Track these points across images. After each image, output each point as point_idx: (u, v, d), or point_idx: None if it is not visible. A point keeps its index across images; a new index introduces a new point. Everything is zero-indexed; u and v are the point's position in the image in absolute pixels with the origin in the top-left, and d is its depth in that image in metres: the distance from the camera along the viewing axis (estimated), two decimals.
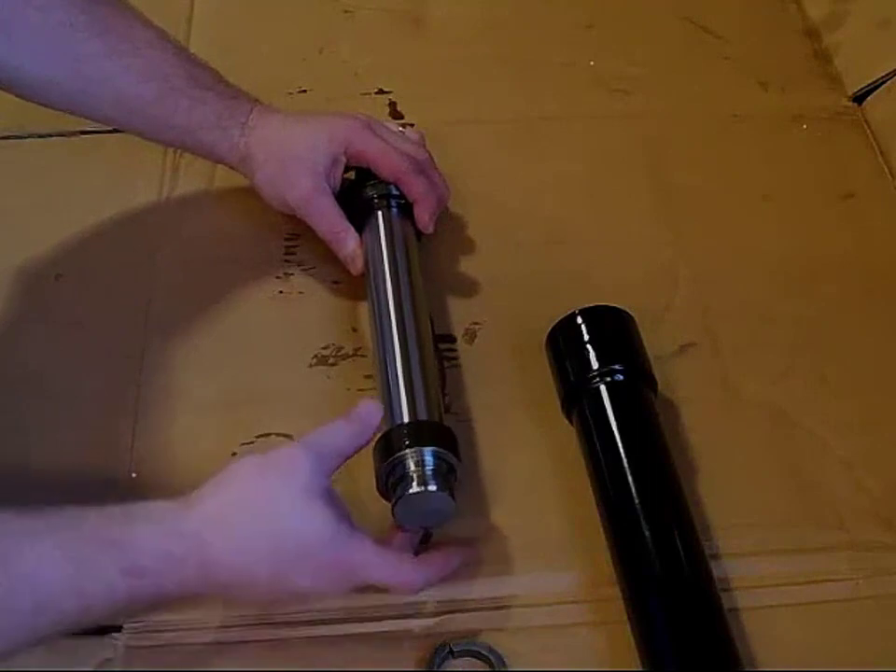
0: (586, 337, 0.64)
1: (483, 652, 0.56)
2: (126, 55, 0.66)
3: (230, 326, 0.71)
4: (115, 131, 0.73)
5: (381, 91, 0.86)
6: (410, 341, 0.63)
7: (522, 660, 0.57)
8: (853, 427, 0.66)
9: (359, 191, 0.72)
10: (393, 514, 0.57)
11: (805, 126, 0.84)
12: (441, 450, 0.57)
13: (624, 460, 0.59)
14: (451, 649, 0.56)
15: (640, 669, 0.55)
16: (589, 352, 0.63)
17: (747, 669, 0.55)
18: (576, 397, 0.63)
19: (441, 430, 0.59)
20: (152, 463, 0.64)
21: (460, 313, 0.72)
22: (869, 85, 0.85)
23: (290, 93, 0.85)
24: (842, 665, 0.56)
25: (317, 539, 0.52)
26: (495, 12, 0.92)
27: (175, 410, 0.66)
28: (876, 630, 0.58)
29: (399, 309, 0.65)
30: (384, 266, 0.68)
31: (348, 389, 0.68)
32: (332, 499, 0.54)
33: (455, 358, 0.69)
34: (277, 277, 0.74)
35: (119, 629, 0.57)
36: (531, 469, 0.64)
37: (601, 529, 0.59)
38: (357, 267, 0.70)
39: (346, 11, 0.92)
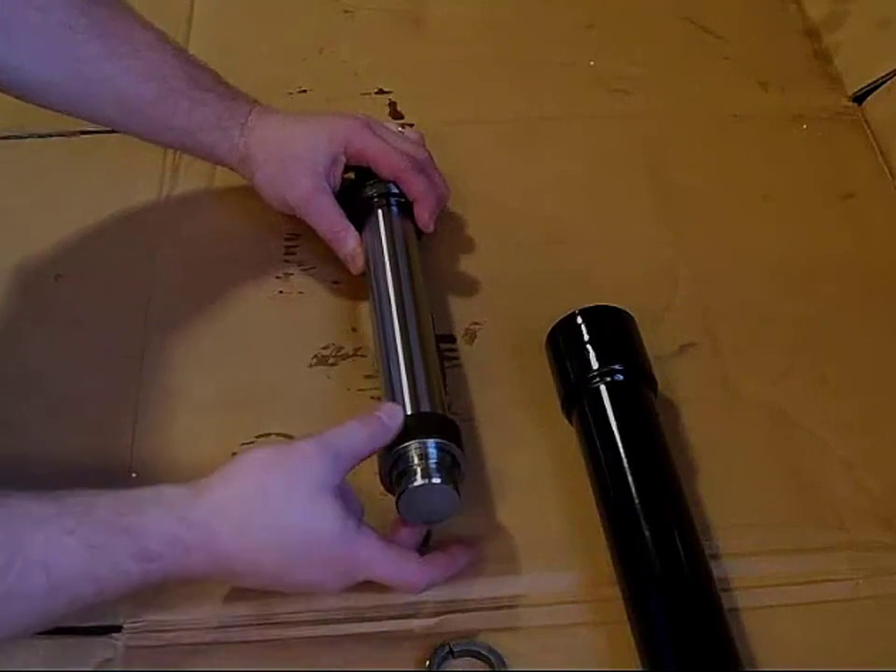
0: (586, 337, 0.64)
1: (483, 652, 0.56)
2: (126, 56, 0.66)
3: (229, 326, 0.71)
4: (115, 131, 0.73)
5: (381, 91, 0.86)
6: (412, 338, 0.63)
7: (522, 660, 0.57)
8: (853, 427, 0.66)
9: (359, 190, 0.72)
10: (397, 507, 0.57)
11: (804, 126, 0.84)
12: (445, 442, 0.57)
13: (624, 460, 0.59)
14: (451, 649, 0.56)
15: (640, 669, 0.55)
16: (589, 352, 0.63)
17: (747, 669, 0.55)
18: (576, 397, 0.63)
19: (445, 422, 0.59)
20: (152, 463, 0.64)
21: (460, 313, 0.72)
22: (869, 85, 0.85)
23: (290, 93, 0.85)
24: (842, 665, 0.56)
25: (324, 535, 0.53)
26: (495, 12, 0.93)
27: (174, 410, 0.66)
28: (876, 630, 0.58)
29: (400, 306, 0.65)
30: (384, 264, 0.68)
31: (348, 389, 0.68)
32: (342, 496, 0.54)
33: (455, 358, 0.69)
34: (277, 277, 0.74)
35: (118, 629, 0.57)
36: (531, 469, 0.64)
37: (601, 529, 0.59)
38: (357, 266, 0.71)
39: (346, 11, 0.92)
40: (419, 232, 0.72)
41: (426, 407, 0.60)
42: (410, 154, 0.71)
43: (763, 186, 0.80)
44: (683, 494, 0.59)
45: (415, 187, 0.70)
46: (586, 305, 0.65)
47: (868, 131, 0.83)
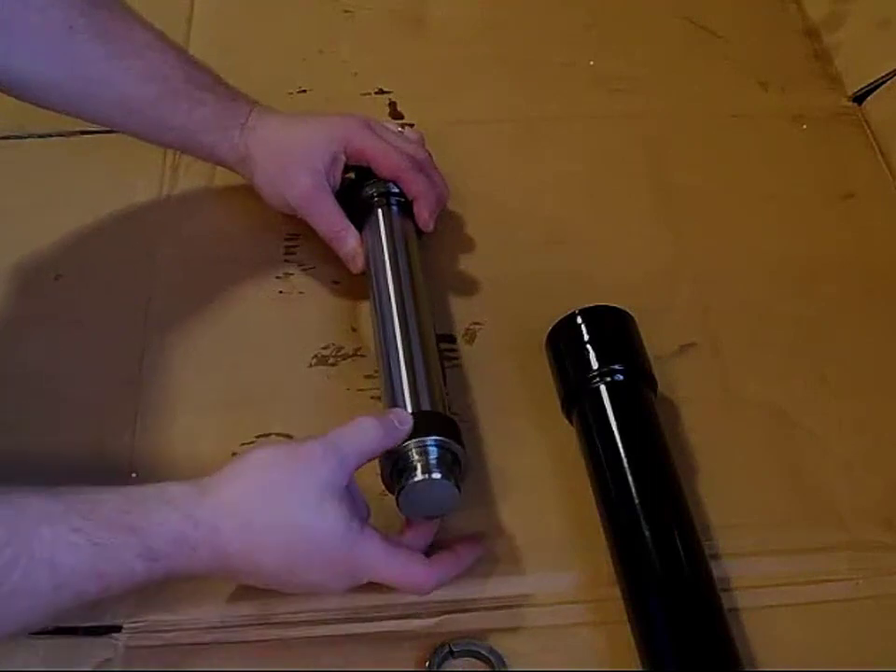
0: (586, 337, 0.64)
1: (483, 652, 0.56)
2: (126, 57, 0.66)
3: (229, 326, 0.71)
4: (115, 131, 0.73)
5: (381, 91, 0.86)
6: (412, 336, 0.63)
7: (522, 660, 0.57)
8: (853, 427, 0.66)
9: (359, 190, 0.72)
10: (397, 503, 0.57)
11: (804, 126, 0.84)
12: (444, 439, 0.57)
13: (624, 460, 0.59)
14: (451, 649, 0.56)
15: (640, 669, 0.55)
16: (589, 352, 0.63)
17: (747, 669, 0.55)
18: (576, 397, 0.63)
19: (445, 420, 0.59)
20: (152, 463, 0.64)
21: (460, 313, 0.72)
22: (869, 85, 0.85)
23: (290, 93, 0.85)
24: (842, 665, 0.56)
25: (328, 536, 0.53)
26: (495, 12, 0.93)
27: (175, 410, 0.66)
28: (876, 630, 0.58)
29: (400, 305, 0.65)
30: (384, 263, 0.68)
31: (348, 389, 0.68)
32: (347, 497, 0.54)
33: (455, 358, 0.69)
34: (277, 277, 0.74)
35: (118, 629, 0.57)
36: (531, 469, 0.64)
37: (601, 529, 0.59)
38: (357, 265, 0.71)
39: (346, 11, 0.92)
40: (419, 232, 0.72)
41: (426, 406, 0.60)
42: (409, 153, 0.71)
43: (763, 186, 0.80)
44: (683, 494, 0.59)
45: (415, 186, 0.70)
46: (586, 305, 0.65)
47: (868, 131, 0.83)
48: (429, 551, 0.59)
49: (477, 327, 0.71)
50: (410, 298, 0.66)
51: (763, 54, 0.89)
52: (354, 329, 0.71)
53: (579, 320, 0.65)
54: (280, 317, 0.72)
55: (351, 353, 0.70)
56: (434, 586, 0.56)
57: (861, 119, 0.84)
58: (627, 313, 0.65)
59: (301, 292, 0.73)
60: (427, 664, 0.56)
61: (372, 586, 0.56)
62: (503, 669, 0.56)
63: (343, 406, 0.67)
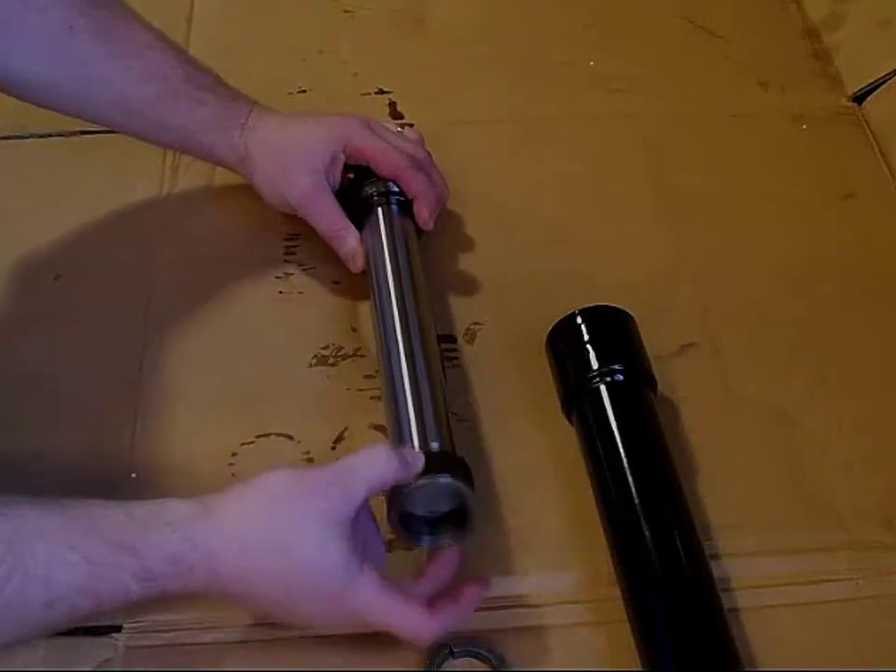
0: (586, 337, 0.64)
1: (483, 653, 0.56)
2: (126, 57, 0.66)
3: (229, 325, 0.71)
4: (115, 131, 0.73)
5: (381, 91, 0.86)
6: (413, 335, 0.63)
7: (522, 660, 0.57)
8: (853, 427, 0.66)
9: (359, 189, 0.72)
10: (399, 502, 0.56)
11: (804, 126, 0.84)
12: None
13: (624, 460, 0.59)
14: (451, 649, 0.56)
15: (640, 669, 0.55)
16: (589, 352, 0.63)
17: (747, 669, 0.55)
18: (576, 397, 0.63)
19: (456, 461, 0.58)
20: (152, 463, 0.64)
21: (460, 313, 0.72)
22: (869, 85, 0.85)
23: (290, 93, 0.85)
24: (842, 665, 0.56)
25: (323, 571, 0.51)
26: (495, 12, 0.93)
27: (175, 410, 0.66)
28: (876, 630, 0.58)
29: (401, 303, 0.65)
30: (385, 262, 0.68)
31: (348, 389, 0.68)
32: (349, 531, 0.52)
33: (455, 358, 0.69)
34: (277, 277, 0.74)
35: (118, 629, 0.57)
36: (531, 469, 0.64)
37: (601, 529, 0.59)
38: (357, 264, 0.71)
39: (346, 11, 0.92)
40: (419, 231, 0.72)
41: (427, 405, 0.60)
42: (409, 153, 0.71)
43: (763, 186, 0.80)
44: (683, 494, 0.59)
45: (415, 185, 0.70)
46: (586, 305, 0.65)
47: (868, 131, 0.83)
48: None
49: (477, 327, 0.71)
50: (410, 296, 0.66)
51: (763, 54, 0.89)
52: (354, 329, 0.71)
53: (579, 320, 0.65)
54: (280, 317, 0.72)
55: (351, 353, 0.70)
56: (432, 636, 0.53)
57: (861, 119, 0.84)
58: (627, 313, 0.65)
59: (300, 292, 0.73)
60: (427, 664, 0.56)
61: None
62: (503, 669, 0.56)
63: (342, 406, 0.67)
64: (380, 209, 0.71)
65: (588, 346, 0.63)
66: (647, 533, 0.57)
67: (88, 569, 0.48)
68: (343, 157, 0.71)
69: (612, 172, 0.81)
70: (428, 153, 0.74)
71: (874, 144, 0.82)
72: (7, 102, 0.66)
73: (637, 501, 0.58)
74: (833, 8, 0.91)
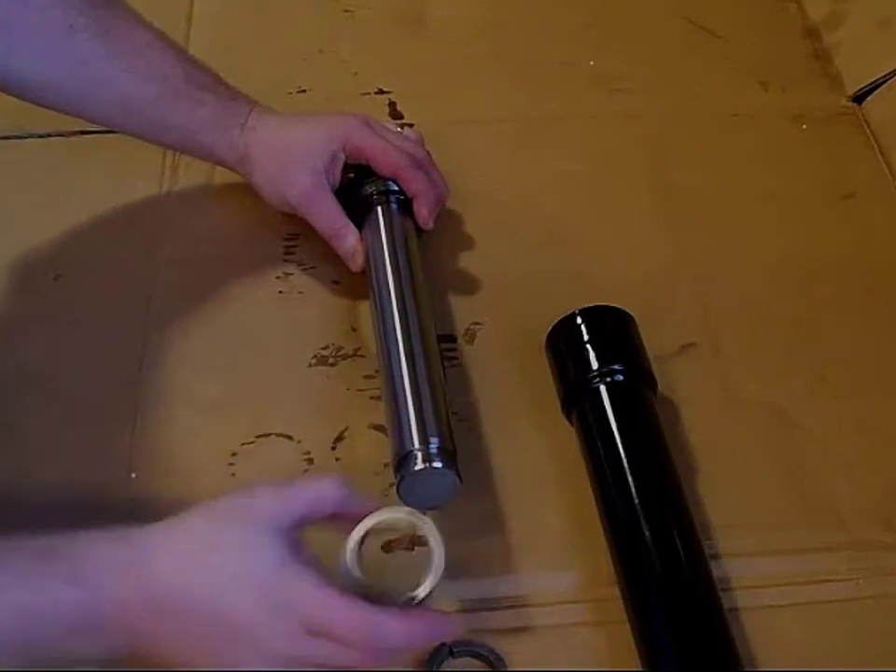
0: (586, 337, 0.64)
1: (483, 652, 0.56)
2: (126, 57, 0.66)
3: (229, 325, 0.71)
4: (115, 131, 0.73)
5: (381, 91, 0.86)
6: (413, 334, 0.64)
7: (522, 660, 0.57)
8: (853, 427, 0.66)
9: (358, 188, 0.72)
10: (398, 491, 0.57)
11: (804, 126, 0.84)
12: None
13: (624, 460, 0.59)
14: (451, 649, 0.56)
15: (640, 669, 0.55)
16: (589, 352, 0.63)
17: (747, 669, 0.55)
18: (576, 397, 0.63)
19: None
20: (152, 463, 0.64)
21: (460, 313, 0.72)
22: (869, 85, 0.85)
23: (290, 93, 0.85)
24: (842, 665, 0.56)
25: (261, 564, 0.49)
26: (495, 12, 0.92)
27: (174, 410, 0.66)
28: (876, 630, 0.59)
29: (401, 303, 0.65)
30: (384, 261, 0.68)
31: (348, 389, 0.68)
32: (290, 539, 0.50)
33: (455, 358, 0.69)
34: (277, 277, 0.74)
35: None
36: (531, 470, 0.64)
37: (601, 529, 0.59)
38: (357, 263, 0.70)
39: (346, 11, 0.92)
40: (419, 230, 0.72)
41: (427, 404, 0.60)
42: (409, 152, 0.71)
43: (763, 186, 0.80)
44: (683, 494, 0.59)
45: (415, 183, 0.70)
46: (586, 305, 0.65)
47: (868, 131, 0.83)
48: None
49: (477, 327, 0.71)
50: (410, 296, 0.66)
51: (763, 54, 0.89)
52: (354, 329, 0.71)
53: (579, 320, 0.65)
54: (279, 317, 0.72)
55: (351, 353, 0.70)
56: (386, 641, 0.48)
57: (860, 118, 0.84)
58: (627, 313, 0.65)
59: (300, 292, 0.73)
60: (427, 664, 0.56)
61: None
62: (503, 669, 0.56)
63: (342, 406, 0.67)
64: (380, 208, 0.71)
65: (588, 346, 0.63)
66: (647, 533, 0.57)
67: (15, 580, 0.46)
68: (342, 156, 0.71)
69: (612, 171, 0.81)
70: (428, 152, 0.74)
71: (874, 144, 0.82)
72: (7, 102, 0.66)
73: (636, 501, 0.58)
74: (833, 8, 0.91)
